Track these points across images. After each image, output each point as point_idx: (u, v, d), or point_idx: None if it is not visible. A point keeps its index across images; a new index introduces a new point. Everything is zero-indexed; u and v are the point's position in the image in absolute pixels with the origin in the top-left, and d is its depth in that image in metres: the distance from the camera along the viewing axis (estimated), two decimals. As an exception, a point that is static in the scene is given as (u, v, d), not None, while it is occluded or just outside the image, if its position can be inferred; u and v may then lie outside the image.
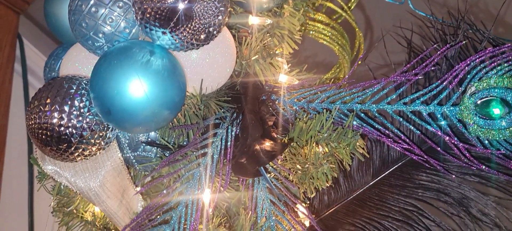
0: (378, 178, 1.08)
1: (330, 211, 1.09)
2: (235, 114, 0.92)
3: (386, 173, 1.07)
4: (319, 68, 1.18)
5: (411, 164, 1.06)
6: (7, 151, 1.67)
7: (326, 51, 1.31)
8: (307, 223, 0.88)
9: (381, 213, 1.09)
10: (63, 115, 0.83)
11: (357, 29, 1.31)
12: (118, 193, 0.97)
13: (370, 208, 1.09)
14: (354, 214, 1.09)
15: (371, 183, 1.09)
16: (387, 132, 0.90)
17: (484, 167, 0.85)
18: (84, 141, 0.85)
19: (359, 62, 1.10)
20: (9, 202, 1.68)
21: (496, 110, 0.81)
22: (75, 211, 1.06)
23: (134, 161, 0.94)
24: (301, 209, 0.88)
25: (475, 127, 0.84)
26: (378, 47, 1.09)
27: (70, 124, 0.83)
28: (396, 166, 1.07)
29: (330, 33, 1.29)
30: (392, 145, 0.89)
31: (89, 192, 0.95)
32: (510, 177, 0.88)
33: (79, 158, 0.88)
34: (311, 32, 1.29)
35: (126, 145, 0.94)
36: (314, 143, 0.85)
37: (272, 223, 0.85)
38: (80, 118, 0.84)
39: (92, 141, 0.86)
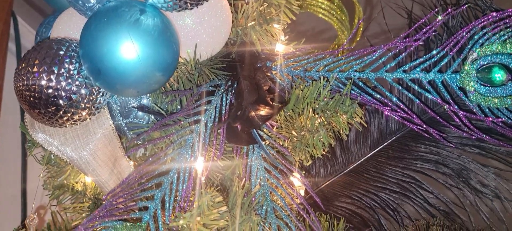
0: (376, 150, 1.06)
1: (327, 183, 1.07)
2: (230, 82, 0.90)
3: (384, 144, 1.05)
4: (317, 43, 1.16)
5: (409, 135, 1.04)
6: (1, 128, 1.65)
7: (325, 26, 1.28)
8: (302, 192, 0.86)
9: (378, 185, 1.07)
10: (51, 77, 0.80)
11: (357, 4, 1.28)
12: (109, 162, 0.94)
13: (367, 180, 1.07)
14: (350, 186, 1.07)
15: (368, 155, 1.06)
16: (385, 100, 0.88)
17: (484, 136, 0.83)
18: (73, 104, 0.82)
19: (359, 35, 1.08)
20: (2, 173, 1.66)
21: (498, 75, 0.78)
22: (65, 182, 1.03)
23: (125, 128, 0.91)
24: (297, 176, 0.85)
25: (476, 94, 0.82)
26: (378, 18, 1.07)
27: (59, 86, 0.80)
28: (394, 138, 1.04)
29: (328, 8, 1.26)
30: (391, 114, 0.87)
31: (80, 161, 0.93)
32: (511, 147, 0.86)
33: (68, 123, 0.85)
34: (309, 6, 1.26)
35: (118, 111, 0.91)
36: (311, 110, 0.83)
37: (266, 190, 0.83)
38: (70, 81, 0.81)
39: (82, 105, 0.83)
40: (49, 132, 0.93)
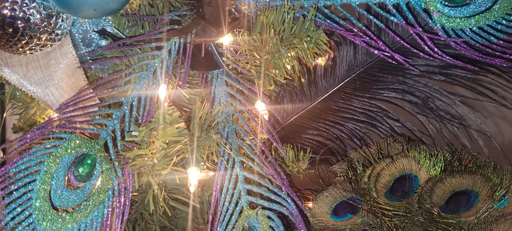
0: (343, 82, 1.05)
1: (294, 117, 1.06)
2: (195, 10, 0.89)
3: (352, 76, 1.04)
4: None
5: (377, 66, 1.03)
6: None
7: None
8: (266, 117, 0.85)
9: (346, 116, 1.07)
10: (7, -4, 0.79)
11: None
12: (73, 94, 0.93)
13: (334, 112, 1.07)
14: (318, 118, 1.07)
15: (336, 87, 1.06)
16: (351, 27, 0.87)
17: (448, 58, 0.82)
18: (31, 27, 0.81)
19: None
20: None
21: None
22: (33, 118, 1.02)
23: (88, 57, 0.90)
24: (261, 101, 0.85)
25: (440, 15, 0.81)
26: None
27: (15, 7, 0.79)
28: (362, 69, 1.04)
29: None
30: (354, 39, 0.86)
31: (43, 92, 0.92)
32: (475, 68, 0.85)
33: (27, 48, 0.84)
34: None
35: (80, 40, 0.90)
36: (272, 31, 0.82)
37: (228, 113, 0.82)
38: (26, 1, 0.80)
39: (41, 28, 0.82)
40: (12, 63, 0.92)
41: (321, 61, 1.09)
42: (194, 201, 0.89)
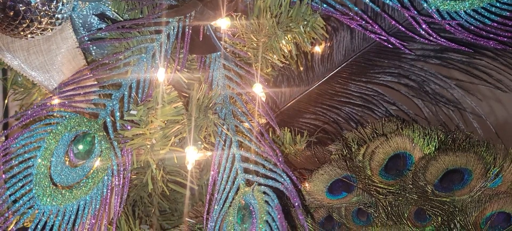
0: (340, 67, 1.06)
1: (292, 101, 1.08)
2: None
3: (349, 60, 1.06)
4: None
5: (373, 51, 1.04)
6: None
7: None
8: (263, 99, 0.86)
9: (342, 100, 1.08)
10: (8, -21, 0.80)
11: None
12: (74, 79, 0.95)
13: (331, 96, 1.08)
14: (315, 103, 1.08)
15: (333, 72, 1.07)
16: (347, 11, 0.88)
17: (442, 40, 0.83)
18: (32, 10, 0.82)
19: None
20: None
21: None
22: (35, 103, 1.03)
23: (86, 38, 0.92)
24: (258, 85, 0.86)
25: (435, -2, 0.82)
26: None
27: (16, -10, 0.81)
28: (358, 54, 1.05)
29: None
30: (352, 25, 0.87)
31: (44, 76, 0.93)
32: (470, 50, 0.86)
33: (28, 31, 0.85)
34: None
35: (80, 25, 0.92)
36: (269, 14, 0.83)
37: (226, 95, 0.83)
38: (27, -15, 0.81)
39: (41, 11, 0.83)
40: (13, 48, 0.93)
41: (318, 49, 1.10)
42: (191, 183, 0.90)
